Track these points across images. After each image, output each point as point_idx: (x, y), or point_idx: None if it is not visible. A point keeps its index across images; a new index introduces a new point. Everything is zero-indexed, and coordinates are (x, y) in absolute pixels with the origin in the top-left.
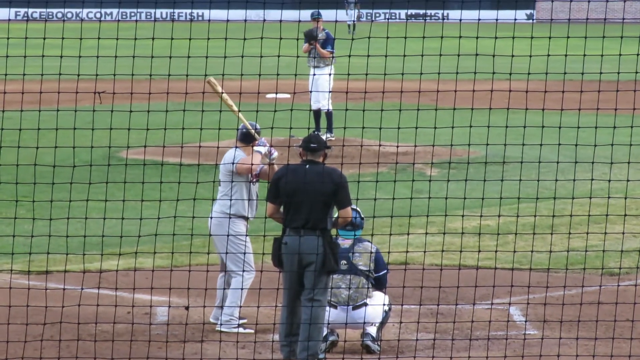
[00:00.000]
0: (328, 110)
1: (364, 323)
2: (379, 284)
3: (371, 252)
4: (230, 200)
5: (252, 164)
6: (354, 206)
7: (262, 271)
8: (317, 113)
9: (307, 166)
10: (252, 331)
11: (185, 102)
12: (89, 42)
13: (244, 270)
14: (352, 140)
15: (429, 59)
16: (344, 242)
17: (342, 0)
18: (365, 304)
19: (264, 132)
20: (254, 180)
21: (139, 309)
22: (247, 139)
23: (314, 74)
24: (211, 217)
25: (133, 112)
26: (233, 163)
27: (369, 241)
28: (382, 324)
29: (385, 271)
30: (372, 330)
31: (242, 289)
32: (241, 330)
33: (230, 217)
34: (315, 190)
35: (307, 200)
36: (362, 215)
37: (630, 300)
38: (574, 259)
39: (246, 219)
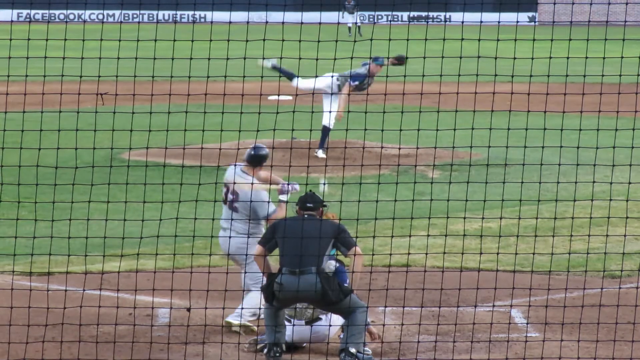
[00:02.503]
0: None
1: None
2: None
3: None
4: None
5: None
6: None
7: (264, 272)
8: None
9: (306, 215)
10: (256, 328)
11: (188, 103)
12: (91, 43)
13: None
14: (353, 142)
15: (431, 61)
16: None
17: (343, 3)
18: (319, 318)
19: (266, 133)
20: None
21: (141, 310)
22: (254, 160)
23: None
24: (230, 237)
25: (135, 114)
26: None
27: (335, 259)
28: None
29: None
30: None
31: (258, 305)
32: (246, 322)
33: (249, 237)
34: (313, 232)
35: (305, 241)
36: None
37: (632, 302)
38: (576, 262)
39: None
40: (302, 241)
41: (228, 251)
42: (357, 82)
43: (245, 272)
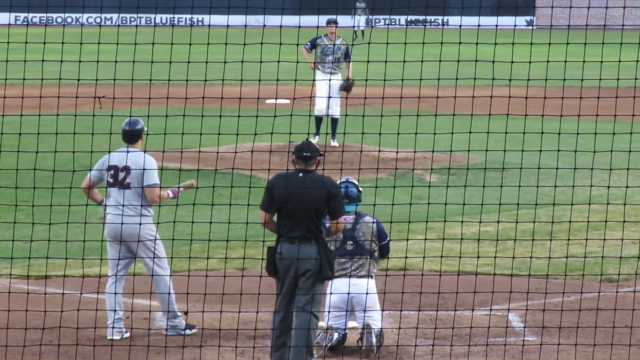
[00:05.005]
0: (337, 116)
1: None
2: (383, 253)
3: (373, 223)
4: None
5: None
6: (350, 179)
7: (261, 276)
8: (320, 119)
9: (301, 174)
10: (196, 330)
11: (185, 107)
12: (89, 47)
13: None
14: (351, 146)
15: (429, 65)
16: (346, 222)
17: (348, 7)
18: (370, 277)
19: (264, 137)
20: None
21: (138, 314)
22: (134, 135)
23: (330, 80)
24: (140, 223)
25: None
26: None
27: (369, 215)
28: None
29: (387, 240)
30: (376, 329)
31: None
32: (188, 332)
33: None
34: (308, 198)
35: (301, 208)
36: (360, 188)
37: (629, 306)
38: (573, 266)
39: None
40: (296, 208)
41: (120, 237)
42: (308, 44)
43: (153, 257)
